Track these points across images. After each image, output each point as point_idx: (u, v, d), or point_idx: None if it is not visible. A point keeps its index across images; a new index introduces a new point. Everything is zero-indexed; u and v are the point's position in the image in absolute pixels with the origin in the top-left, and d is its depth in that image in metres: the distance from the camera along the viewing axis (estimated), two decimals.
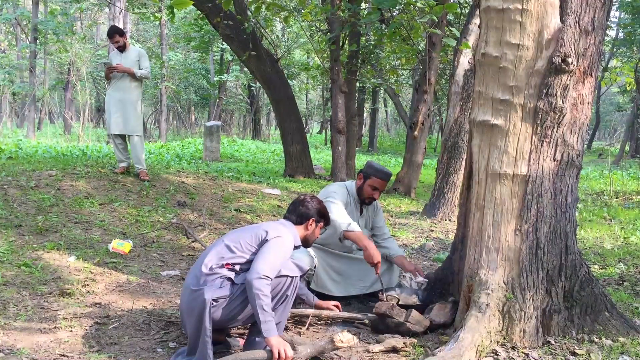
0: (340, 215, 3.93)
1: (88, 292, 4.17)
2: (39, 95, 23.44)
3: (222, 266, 3.06)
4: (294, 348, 2.95)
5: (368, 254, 3.82)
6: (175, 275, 4.78)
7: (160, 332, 3.52)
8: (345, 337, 3.05)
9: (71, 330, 3.44)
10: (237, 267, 3.08)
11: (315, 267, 4.07)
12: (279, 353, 2.84)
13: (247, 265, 3.07)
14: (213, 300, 2.94)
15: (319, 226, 3.49)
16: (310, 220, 3.42)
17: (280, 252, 3.10)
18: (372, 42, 13.63)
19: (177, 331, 3.52)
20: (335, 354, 3.17)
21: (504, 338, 3.29)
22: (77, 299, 4.01)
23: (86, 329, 3.48)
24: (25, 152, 10.52)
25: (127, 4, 15.80)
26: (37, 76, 22.44)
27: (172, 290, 4.41)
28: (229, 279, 3.04)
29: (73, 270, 4.57)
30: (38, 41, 20.69)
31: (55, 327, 3.47)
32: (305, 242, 3.45)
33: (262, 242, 3.12)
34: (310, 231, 3.44)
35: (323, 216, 3.49)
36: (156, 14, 14.21)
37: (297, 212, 3.42)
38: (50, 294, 4.04)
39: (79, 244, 5.20)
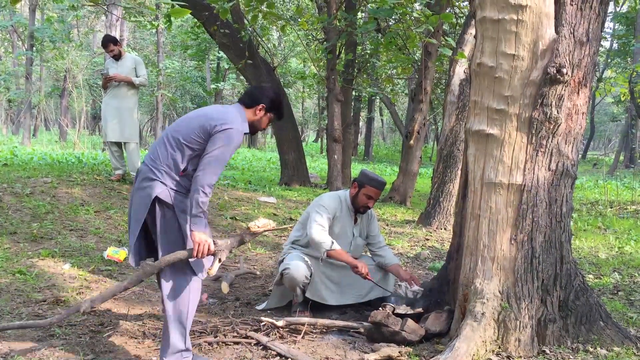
0: (322, 236, 4.00)
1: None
2: (35, 102, 23.39)
3: (178, 173, 3.07)
4: (214, 243, 3.01)
5: (356, 270, 3.97)
6: None
7: (155, 340, 3.51)
8: (260, 223, 3.13)
9: (65, 338, 3.43)
10: (190, 169, 3.08)
11: (311, 276, 4.06)
12: (199, 247, 2.94)
13: (196, 160, 3.07)
14: (159, 202, 3.03)
15: (268, 116, 3.34)
16: (260, 106, 3.29)
17: (230, 147, 3.07)
18: (368, 51, 13.68)
19: None
20: None
21: (499, 347, 3.29)
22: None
23: (80, 337, 3.47)
24: (20, 159, 10.49)
25: (123, 12, 15.80)
26: (33, 83, 22.42)
27: None
28: (180, 191, 3.08)
29: (68, 278, 4.56)
30: (34, 48, 20.67)
31: (49, 335, 3.46)
32: (252, 128, 3.32)
33: (211, 134, 3.06)
34: (257, 117, 3.30)
35: (275, 107, 3.35)
36: (153, 22, 14.22)
37: (251, 95, 3.32)
38: (44, 301, 4.03)
39: (74, 251, 5.19)
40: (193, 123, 3.11)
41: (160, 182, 3.03)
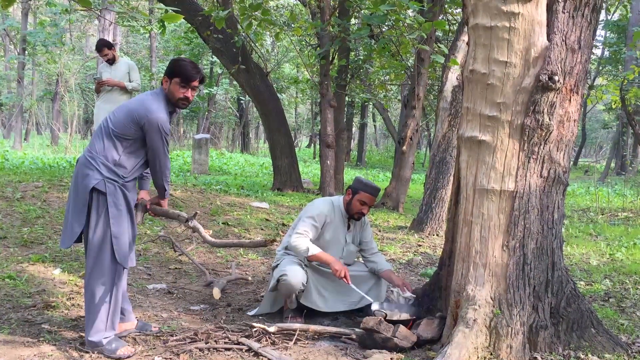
0: (298, 242, 4.00)
1: (73, 305, 4.12)
2: (27, 106, 23.30)
3: (113, 163, 3.31)
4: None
5: (333, 269, 3.95)
6: (162, 289, 4.74)
7: (145, 346, 3.49)
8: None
9: (55, 344, 3.40)
10: (124, 159, 3.34)
11: (306, 283, 4.03)
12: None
13: (131, 150, 3.35)
14: (95, 191, 3.28)
15: (174, 82, 3.38)
16: (164, 78, 3.40)
17: (164, 129, 3.31)
18: (362, 57, 13.72)
19: (164, 346, 3.49)
20: None
21: (491, 354, 3.29)
22: (62, 312, 3.96)
23: (70, 343, 3.44)
24: (11, 164, 10.44)
25: (116, 16, 15.78)
26: (25, 87, 22.33)
27: (158, 303, 4.37)
28: (115, 181, 3.32)
29: (58, 283, 4.52)
30: (27, 52, 20.61)
31: (39, 341, 3.43)
32: (174, 101, 3.40)
33: (142, 125, 3.29)
34: (167, 89, 3.39)
35: (173, 73, 3.37)
36: (146, 27, 14.22)
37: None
38: (34, 307, 3.99)
39: (65, 256, 5.16)
40: (121, 115, 3.34)
41: (98, 172, 3.26)
